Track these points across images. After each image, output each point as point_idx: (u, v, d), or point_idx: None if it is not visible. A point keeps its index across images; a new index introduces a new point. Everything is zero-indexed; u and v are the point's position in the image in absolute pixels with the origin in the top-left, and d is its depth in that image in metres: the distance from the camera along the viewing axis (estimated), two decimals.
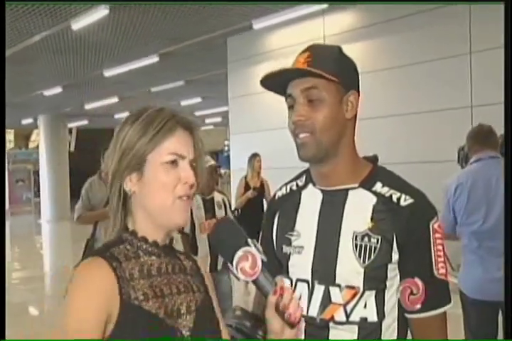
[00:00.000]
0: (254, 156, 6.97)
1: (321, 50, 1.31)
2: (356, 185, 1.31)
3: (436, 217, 1.28)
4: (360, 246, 1.25)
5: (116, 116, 19.04)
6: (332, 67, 1.26)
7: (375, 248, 1.25)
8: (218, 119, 22.50)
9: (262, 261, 1.07)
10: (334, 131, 1.28)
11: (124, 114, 13.64)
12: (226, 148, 26.34)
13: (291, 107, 1.30)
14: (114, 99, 14.75)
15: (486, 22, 5.92)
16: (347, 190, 1.31)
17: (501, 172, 3.06)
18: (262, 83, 1.30)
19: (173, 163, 1.09)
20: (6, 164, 19.88)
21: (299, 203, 1.38)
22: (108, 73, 10.87)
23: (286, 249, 1.36)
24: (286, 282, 1.35)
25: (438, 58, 6.25)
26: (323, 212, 1.33)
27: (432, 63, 6.30)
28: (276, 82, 1.30)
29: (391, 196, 1.27)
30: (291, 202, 1.40)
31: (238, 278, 1.10)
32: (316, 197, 1.35)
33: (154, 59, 9.72)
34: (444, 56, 6.20)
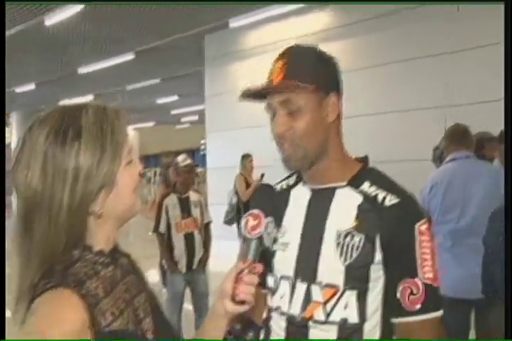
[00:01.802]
0: (247, 157, 6.89)
1: (297, 55, 1.30)
2: (344, 183, 1.32)
3: (425, 219, 1.26)
4: (343, 244, 1.25)
5: None
6: (309, 73, 1.26)
7: (357, 247, 1.24)
8: (195, 118, 22.48)
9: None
10: (317, 137, 1.29)
11: None
12: (202, 147, 26.26)
13: (272, 118, 1.31)
14: (89, 97, 14.60)
15: (465, 21, 6.01)
16: (335, 188, 1.32)
17: (477, 172, 3.16)
18: (243, 96, 1.32)
19: (131, 161, 1.05)
20: None
21: (288, 201, 1.39)
22: (83, 70, 10.77)
23: (272, 245, 1.35)
24: (271, 280, 1.36)
25: (416, 57, 6.31)
26: (310, 209, 1.33)
27: (410, 62, 6.36)
28: (255, 94, 1.32)
29: (376, 195, 1.27)
30: (280, 201, 1.40)
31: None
32: (304, 195, 1.36)
33: (130, 56, 9.67)
34: (422, 55, 6.26)
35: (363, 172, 1.33)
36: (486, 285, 2.25)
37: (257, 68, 7.59)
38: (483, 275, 2.25)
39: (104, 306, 0.97)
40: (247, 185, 6.72)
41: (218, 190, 8.55)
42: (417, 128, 6.22)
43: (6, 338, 1.39)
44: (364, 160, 1.39)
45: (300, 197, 1.37)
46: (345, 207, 1.29)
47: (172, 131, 33.40)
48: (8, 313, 1.06)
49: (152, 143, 40.00)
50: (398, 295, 1.23)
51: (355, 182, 1.31)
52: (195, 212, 4.52)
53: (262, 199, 1.40)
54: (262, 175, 6.54)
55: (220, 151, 9.19)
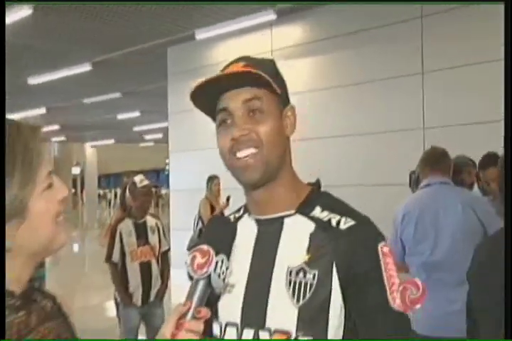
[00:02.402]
0: (212, 179, 6.85)
1: (255, 61, 1.29)
2: (293, 211, 1.26)
3: (384, 241, 1.21)
4: (295, 282, 1.18)
5: (45, 129, 18.63)
6: (272, 77, 1.22)
7: (310, 285, 1.17)
8: (159, 135, 22.42)
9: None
10: (280, 148, 1.25)
11: (53, 127, 13.33)
12: (167, 167, 26.21)
13: (223, 123, 1.25)
14: (42, 110, 14.46)
15: (439, 40, 6.19)
16: (283, 217, 1.26)
17: (453, 199, 3.12)
18: (193, 96, 1.25)
19: (50, 185, 1.01)
20: None
21: (234, 237, 1.29)
22: (33, 81, 10.61)
23: (221, 287, 1.28)
24: (216, 327, 1.29)
25: (390, 77, 6.44)
26: (257, 245, 1.28)
27: (384, 82, 6.48)
28: (209, 95, 1.25)
29: (330, 220, 1.22)
30: (229, 236, 1.31)
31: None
32: (251, 228, 1.31)
33: (87, 67, 9.63)
34: (397, 75, 6.39)
35: (312, 197, 1.29)
36: (471, 323, 2.20)
37: None
38: (469, 313, 2.20)
39: None
40: (213, 209, 6.70)
41: (181, 214, 8.51)
42: (393, 151, 6.32)
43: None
44: (315, 184, 1.35)
45: (247, 231, 1.31)
46: (295, 238, 1.23)
47: (135, 149, 33.29)
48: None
49: (113, 161, 39.74)
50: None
51: (305, 209, 1.26)
52: (153, 238, 4.49)
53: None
54: (228, 199, 6.53)
55: (184, 172, 9.16)
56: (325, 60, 7.09)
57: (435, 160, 3.29)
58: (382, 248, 1.18)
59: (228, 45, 8.21)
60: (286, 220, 1.26)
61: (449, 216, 3.06)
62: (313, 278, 1.17)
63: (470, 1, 5.78)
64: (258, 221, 1.30)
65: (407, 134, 6.28)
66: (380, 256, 1.17)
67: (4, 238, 0.94)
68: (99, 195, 38.88)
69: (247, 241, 1.29)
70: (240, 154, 1.22)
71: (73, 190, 35.14)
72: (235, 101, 1.23)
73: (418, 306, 1.14)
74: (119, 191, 18.91)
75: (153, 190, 4.72)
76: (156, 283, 4.39)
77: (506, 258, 1.50)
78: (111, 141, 27.23)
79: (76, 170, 34.46)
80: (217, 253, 1.15)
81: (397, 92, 6.41)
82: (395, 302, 1.14)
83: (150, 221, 4.54)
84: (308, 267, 1.18)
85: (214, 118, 1.30)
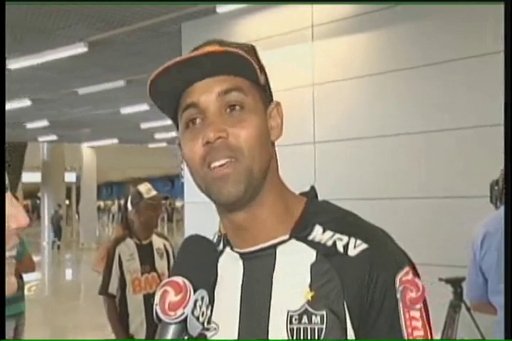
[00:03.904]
0: None
1: (232, 44, 1.25)
2: (287, 236, 1.24)
3: (408, 267, 1.18)
4: (298, 330, 1.16)
5: (29, 125, 18.93)
6: (252, 65, 1.19)
7: (319, 330, 1.14)
8: (172, 134, 22.56)
9: None
10: (266, 155, 1.22)
11: (41, 123, 13.58)
12: (183, 173, 26.43)
13: (191, 123, 1.21)
14: (25, 102, 14.61)
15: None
16: (275, 246, 1.24)
17: None
18: (152, 90, 1.20)
19: None
20: None
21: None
22: (14, 65, 10.43)
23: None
24: None
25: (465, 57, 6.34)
26: (245, 288, 1.25)
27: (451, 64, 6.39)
28: (170, 87, 1.20)
29: (335, 244, 1.19)
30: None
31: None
32: (235, 265, 1.28)
33: (82, 48, 9.57)
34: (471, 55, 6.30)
35: (309, 213, 1.26)
36: None
37: None
38: None
39: None
40: None
41: (198, 232, 8.47)
42: (464, 153, 6.19)
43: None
44: (310, 192, 1.32)
45: (230, 270, 1.28)
46: (293, 272, 1.20)
47: (143, 151, 33.59)
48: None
49: (115, 166, 40.09)
50: None
51: (301, 231, 1.23)
52: (161, 264, 4.49)
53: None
54: None
55: None
56: (381, 37, 7.02)
57: None
58: (404, 277, 1.15)
59: (257, 20, 8.17)
60: (280, 249, 1.24)
61: None
62: (322, 321, 1.15)
63: (470, 0, 5.83)
64: (243, 255, 1.27)
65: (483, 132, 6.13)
66: (398, 287, 1.14)
67: (4, 238, 0.92)
68: (98, 208, 39.35)
69: (231, 284, 1.27)
70: (215, 163, 1.18)
71: (67, 202, 35.62)
72: (207, 93, 1.19)
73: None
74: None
75: (163, 202, 4.69)
76: None
77: (506, 258, 1.56)
78: (113, 141, 27.46)
79: (70, 177, 34.95)
80: (195, 289, 1.10)
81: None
82: (414, 333, 1.13)
83: (157, 242, 4.53)
84: (313, 308, 1.16)
85: (175, 120, 1.26)
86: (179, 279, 1.09)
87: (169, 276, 1.13)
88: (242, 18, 8.32)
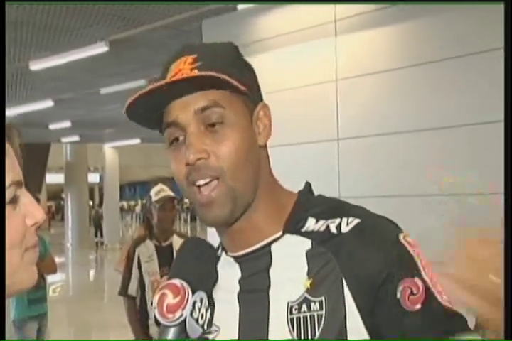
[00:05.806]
0: None
1: (208, 49, 1.27)
2: (279, 233, 1.24)
3: (403, 233, 1.18)
4: (298, 319, 1.15)
5: (52, 126, 19.03)
6: (234, 72, 1.20)
7: (318, 317, 1.14)
8: None
9: None
10: (250, 169, 1.21)
11: (64, 124, 13.63)
12: None
13: (175, 141, 1.22)
14: (48, 103, 14.69)
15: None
16: (269, 244, 1.24)
17: None
18: (128, 112, 1.22)
19: (13, 200, 0.95)
20: None
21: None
22: (36, 66, 10.62)
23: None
24: None
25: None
26: (243, 289, 1.25)
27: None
28: (149, 107, 1.21)
29: (328, 227, 1.20)
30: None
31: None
32: (232, 270, 1.28)
33: (102, 48, 9.66)
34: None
35: (300, 207, 1.26)
36: None
37: (277, 67, 7.59)
38: None
39: None
40: None
41: None
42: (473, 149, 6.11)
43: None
44: (304, 189, 1.33)
45: (228, 275, 1.28)
46: (290, 264, 1.21)
47: (165, 150, 33.64)
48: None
49: (138, 166, 40.35)
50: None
51: (294, 225, 1.24)
52: None
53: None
54: None
55: None
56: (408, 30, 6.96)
57: None
58: (405, 237, 1.16)
59: (278, 16, 8.16)
60: (274, 246, 1.24)
61: None
62: (321, 307, 1.15)
63: (470, 0, 5.79)
64: (237, 259, 1.28)
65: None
66: (408, 246, 1.15)
67: (4, 238, 0.92)
68: (121, 209, 39.53)
69: (229, 288, 1.27)
70: (200, 182, 1.19)
71: (90, 203, 35.83)
72: (185, 111, 1.19)
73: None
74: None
75: (176, 202, 4.68)
76: None
77: (506, 258, 1.54)
78: (136, 141, 27.53)
79: (93, 178, 35.14)
80: (194, 291, 1.11)
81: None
82: (443, 297, 1.12)
83: (178, 243, 4.49)
84: (312, 295, 1.16)
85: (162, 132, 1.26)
86: (177, 281, 1.11)
87: (168, 279, 1.14)
88: (263, 15, 8.32)
